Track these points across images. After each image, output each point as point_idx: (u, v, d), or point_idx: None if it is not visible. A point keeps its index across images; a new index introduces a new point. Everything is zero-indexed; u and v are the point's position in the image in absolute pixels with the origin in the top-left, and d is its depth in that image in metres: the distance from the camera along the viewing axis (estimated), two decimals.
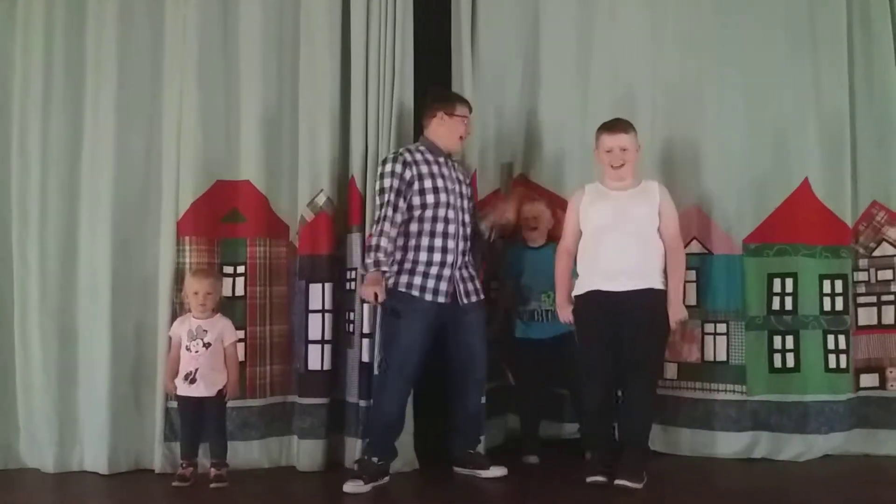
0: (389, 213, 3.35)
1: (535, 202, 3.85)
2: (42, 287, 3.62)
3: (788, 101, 3.80)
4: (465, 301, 3.45)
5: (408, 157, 3.42)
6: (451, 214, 3.42)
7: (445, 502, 3.31)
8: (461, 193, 3.50)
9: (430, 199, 3.39)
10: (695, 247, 3.73)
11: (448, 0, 3.91)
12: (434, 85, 3.68)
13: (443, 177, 3.44)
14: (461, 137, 3.52)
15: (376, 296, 3.28)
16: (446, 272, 3.40)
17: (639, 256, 3.31)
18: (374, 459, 3.35)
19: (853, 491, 3.32)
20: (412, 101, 3.71)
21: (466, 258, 3.50)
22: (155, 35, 3.74)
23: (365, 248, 3.46)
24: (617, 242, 3.30)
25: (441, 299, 3.38)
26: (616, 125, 3.40)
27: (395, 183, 3.36)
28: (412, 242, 3.41)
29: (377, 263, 3.30)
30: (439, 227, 3.41)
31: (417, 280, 3.38)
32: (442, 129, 3.49)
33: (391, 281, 3.38)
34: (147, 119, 3.72)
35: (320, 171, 3.70)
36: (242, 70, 3.74)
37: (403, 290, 3.37)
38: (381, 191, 3.39)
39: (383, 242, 3.32)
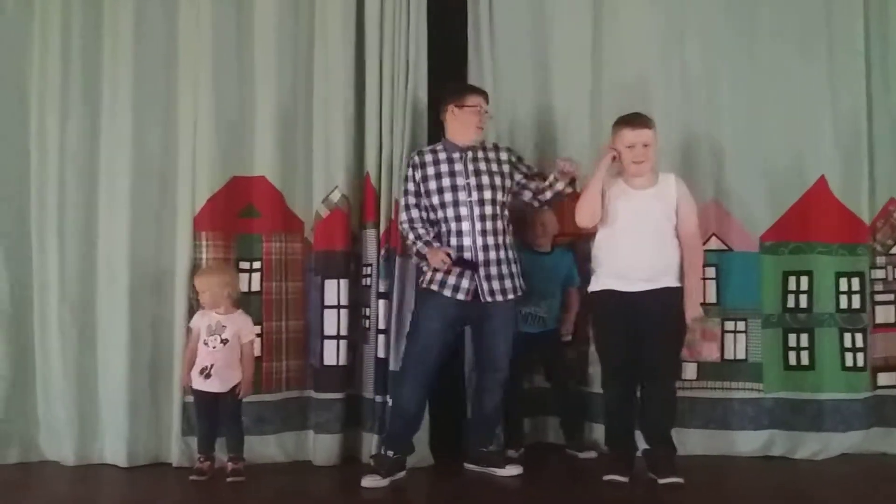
0: (406, 215, 3.47)
1: (542, 209, 3.76)
2: (61, 279, 3.65)
3: (805, 98, 3.79)
4: (490, 299, 3.38)
5: (416, 159, 3.49)
6: (462, 212, 3.39)
7: (458, 498, 3.31)
8: (482, 185, 3.40)
9: (435, 199, 3.42)
10: (713, 243, 3.72)
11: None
12: (449, 82, 3.67)
13: (453, 174, 3.42)
14: (478, 127, 3.45)
15: (447, 256, 3.32)
16: (468, 270, 3.37)
17: (656, 258, 3.29)
18: (390, 453, 3.36)
19: (869, 490, 3.31)
20: (426, 97, 3.70)
21: (497, 255, 3.40)
22: (169, 30, 3.76)
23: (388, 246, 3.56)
24: (635, 245, 3.28)
25: (461, 296, 3.36)
26: (638, 119, 3.34)
27: (411, 186, 3.48)
28: (436, 242, 3.42)
29: (419, 237, 3.40)
30: (452, 226, 3.40)
31: (438, 276, 3.38)
32: (455, 124, 3.48)
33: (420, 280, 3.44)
34: (163, 114, 3.73)
35: (335, 168, 3.71)
36: (257, 66, 3.75)
37: (425, 286, 3.39)
38: (404, 193, 3.51)
39: (418, 228, 3.42)
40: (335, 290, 3.66)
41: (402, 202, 3.48)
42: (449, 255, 3.31)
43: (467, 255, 3.38)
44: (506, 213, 3.48)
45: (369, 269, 3.69)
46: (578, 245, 3.83)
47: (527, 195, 3.55)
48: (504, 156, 3.51)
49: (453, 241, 3.39)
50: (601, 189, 3.34)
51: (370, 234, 3.69)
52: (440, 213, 3.42)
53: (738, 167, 3.78)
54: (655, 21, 3.84)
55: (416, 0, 3.70)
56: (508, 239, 3.47)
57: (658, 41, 3.84)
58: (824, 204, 3.75)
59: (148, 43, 3.72)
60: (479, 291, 3.37)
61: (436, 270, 3.36)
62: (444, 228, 3.42)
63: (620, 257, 3.31)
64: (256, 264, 3.71)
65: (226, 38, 3.72)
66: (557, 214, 3.81)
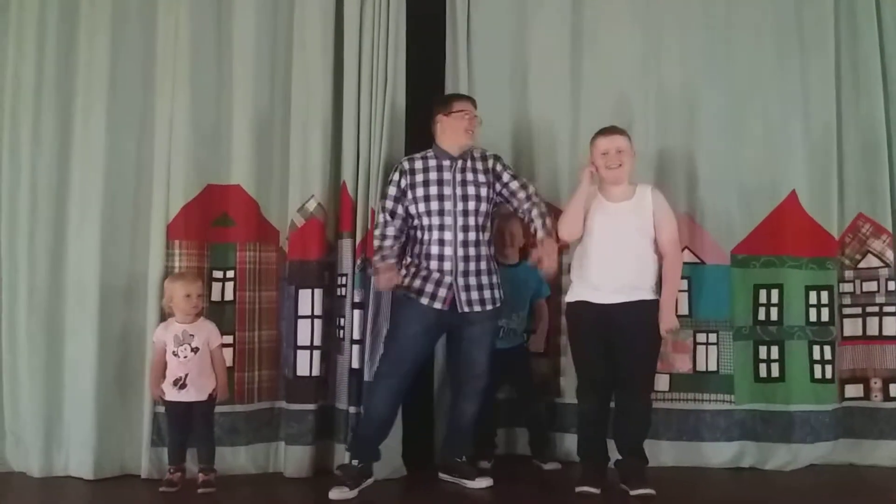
0: (383, 218, 3.46)
1: (510, 219, 3.79)
2: (30, 288, 3.59)
3: (777, 114, 3.85)
4: (467, 309, 3.40)
5: (406, 165, 3.48)
6: (447, 221, 3.40)
7: None
8: (468, 196, 3.42)
9: (421, 207, 3.42)
10: (687, 256, 3.74)
11: (442, 9, 3.93)
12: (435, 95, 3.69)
13: (441, 183, 3.42)
14: (466, 131, 3.46)
15: (395, 285, 3.35)
16: (445, 279, 3.38)
17: (632, 272, 3.31)
18: (355, 462, 3.34)
19: (837, 501, 3.36)
20: (404, 106, 3.70)
21: (476, 265, 3.42)
22: (147, 37, 3.72)
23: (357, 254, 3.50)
24: (609, 257, 3.30)
25: (438, 305, 3.37)
26: (611, 128, 3.41)
27: (393, 191, 3.46)
28: (416, 249, 3.44)
29: (383, 257, 3.37)
30: (435, 234, 3.40)
31: (417, 283, 3.39)
32: (445, 132, 3.48)
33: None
34: (138, 122, 3.69)
35: (311, 177, 3.69)
36: (235, 73, 3.73)
37: (403, 293, 3.40)
38: (382, 196, 3.49)
39: (386, 242, 3.41)
40: (309, 300, 3.64)
41: (382, 205, 3.46)
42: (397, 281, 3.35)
43: (446, 265, 3.38)
44: (488, 224, 3.50)
45: (344, 278, 3.67)
46: None
47: (513, 205, 3.51)
48: (490, 164, 3.50)
49: (434, 249, 3.39)
50: (583, 204, 3.37)
51: (346, 243, 3.67)
52: (424, 221, 3.42)
53: (711, 182, 3.82)
54: (633, 37, 3.88)
55: (395, 8, 3.69)
56: (489, 250, 3.48)
57: (636, 57, 3.87)
58: (795, 218, 3.81)
59: (124, 50, 3.68)
60: (457, 302, 3.38)
61: (413, 277, 3.37)
62: (425, 237, 3.42)
63: (595, 269, 3.33)
64: (230, 273, 3.68)
65: (204, 46, 3.69)
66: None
